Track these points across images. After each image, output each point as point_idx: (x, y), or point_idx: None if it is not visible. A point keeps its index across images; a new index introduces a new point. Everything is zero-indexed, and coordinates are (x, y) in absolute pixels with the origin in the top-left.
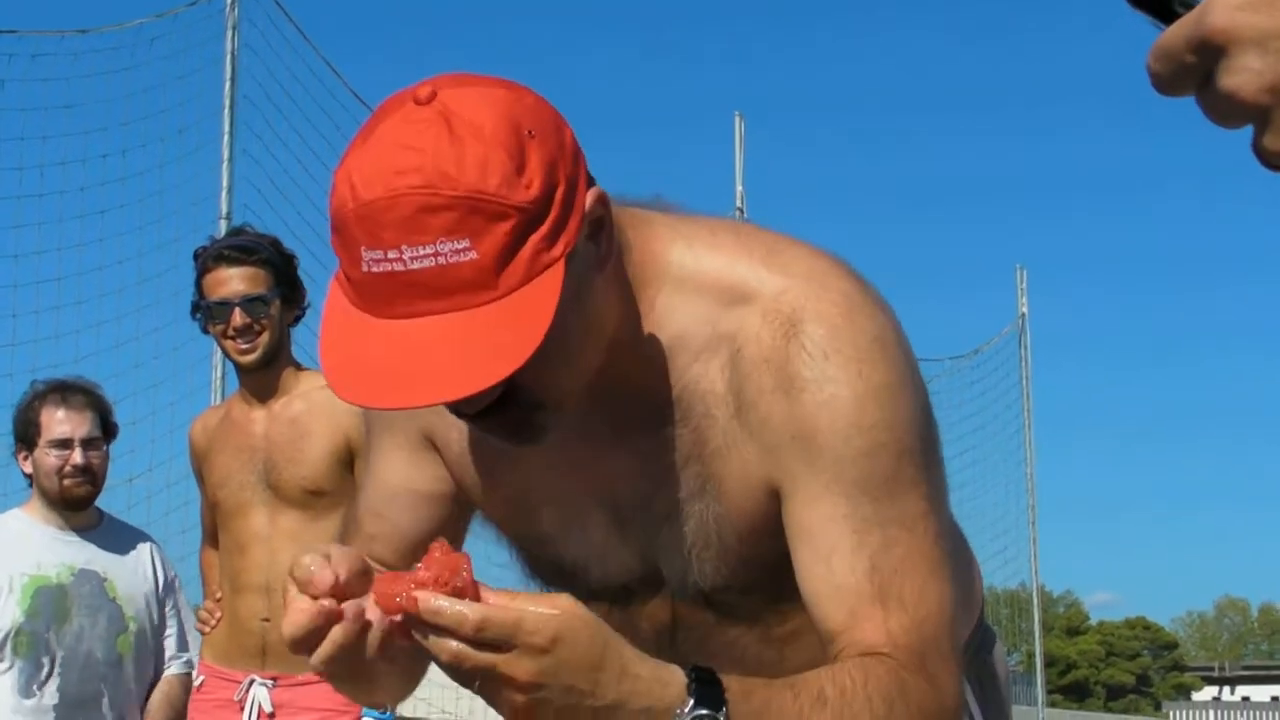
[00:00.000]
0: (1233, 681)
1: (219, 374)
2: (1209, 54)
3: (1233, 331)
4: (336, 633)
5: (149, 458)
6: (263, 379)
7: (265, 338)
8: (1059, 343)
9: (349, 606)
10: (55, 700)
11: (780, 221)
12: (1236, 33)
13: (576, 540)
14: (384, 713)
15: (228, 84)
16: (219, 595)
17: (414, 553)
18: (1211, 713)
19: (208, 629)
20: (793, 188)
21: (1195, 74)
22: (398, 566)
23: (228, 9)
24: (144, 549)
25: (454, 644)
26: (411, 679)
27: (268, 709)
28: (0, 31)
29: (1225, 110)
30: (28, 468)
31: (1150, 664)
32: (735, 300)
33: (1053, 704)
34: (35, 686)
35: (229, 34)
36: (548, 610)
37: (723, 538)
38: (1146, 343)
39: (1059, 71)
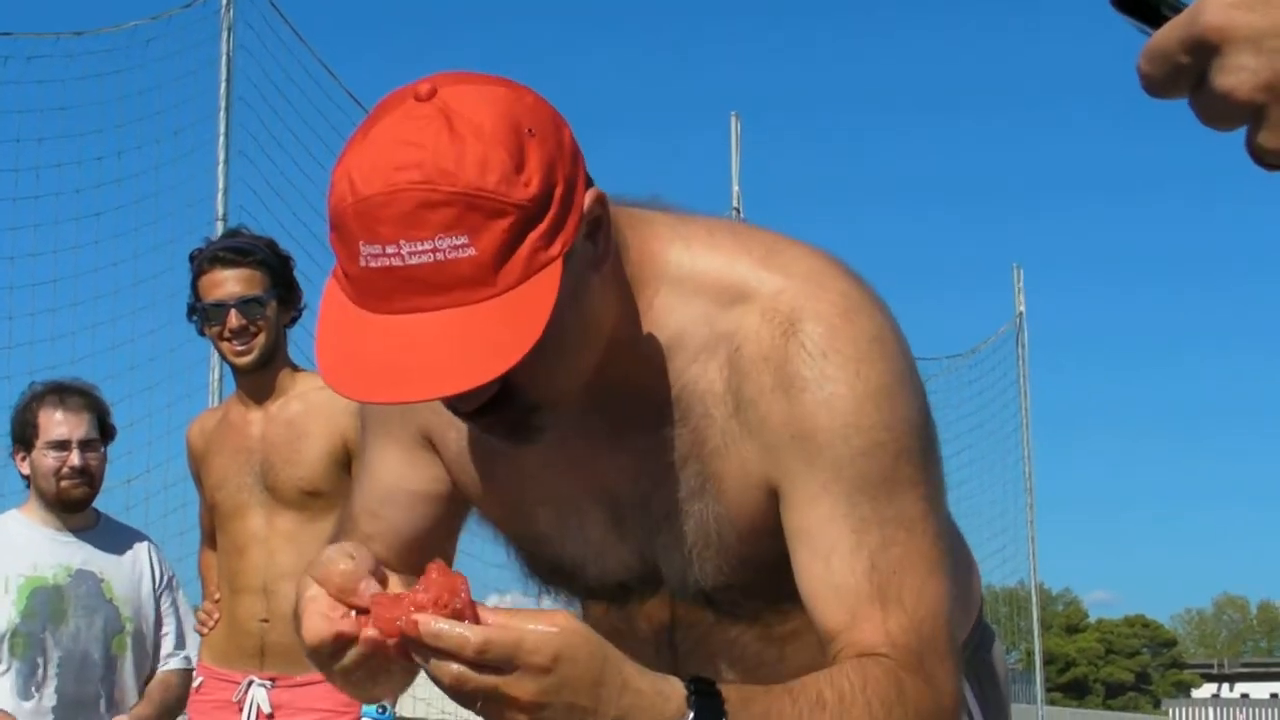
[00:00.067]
0: (1232, 679)
1: (216, 376)
2: (1203, 54)
3: (1231, 330)
4: (356, 654)
5: (146, 460)
6: (259, 381)
7: (261, 339)
8: (1056, 341)
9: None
10: (54, 702)
11: (777, 221)
12: (1231, 31)
13: (574, 539)
14: (382, 713)
15: (223, 85)
16: (217, 597)
17: (410, 552)
18: (1210, 710)
19: (206, 630)
20: (789, 187)
21: (1189, 75)
22: (394, 566)
23: (223, 10)
24: (141, 549)
25: (456, 667)
26: (412, 673)
27: (266, 709)
28: None
29: (1220, 110)
30: (25, 469)
31: (1149, 661)
32: (733, 300)
33: (1052, 702)
34: (33, 688)
35: (224, 36)
36: (547, 628)
37: (722, 537)
38: (1144, 341)
39: (1056, 70)
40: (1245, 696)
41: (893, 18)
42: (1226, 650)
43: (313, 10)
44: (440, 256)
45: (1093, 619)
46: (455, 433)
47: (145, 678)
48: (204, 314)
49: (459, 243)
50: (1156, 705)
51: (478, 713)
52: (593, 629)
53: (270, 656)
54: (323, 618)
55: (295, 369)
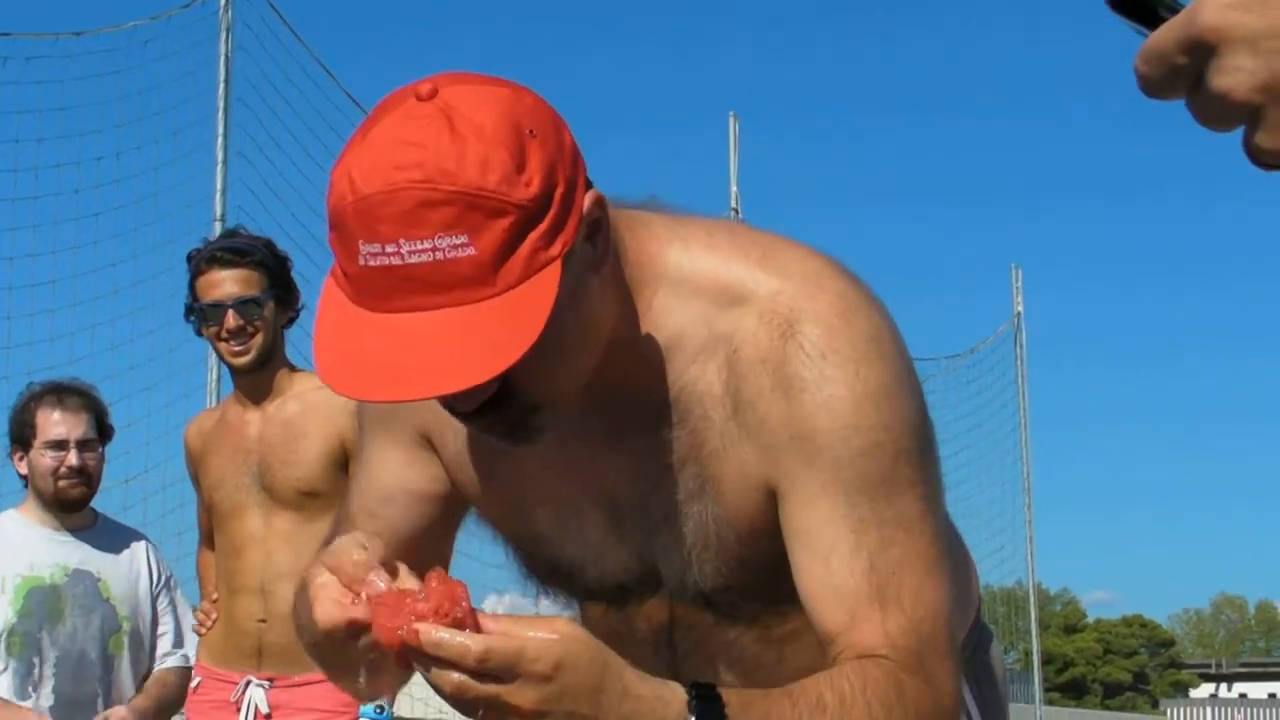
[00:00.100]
0: (1230, 679)
1: (214, 376)
2: (1200, 55)
3: (1230, 331)
4: (368, 641)
5: (144, 460)
6: (257, 381)
7: (259, 340)
8: (1055, 341)
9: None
10: (51, 701)
11: (775, 221)
12: (1228, 32)
13: (573, 540)
14: (380, 713)
15: (222, 86)
16: (215, 597)
17: (408, 552)
18: (1208, 710)
19: (204, 630)
20: (788, 188)
21: (1186, 76)
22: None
23: (221, 11)
24: (139, 549)
25: (457, 676)
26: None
27: (264, 709)
28: None
29: (1217, 111)
30: (23, 469)
31: (1147, 661)
32: (732, 301)
33: (1050, 702)
34: (30, 688)
35: (223, 36)
36: (548, 636)
37: (722, 538)
38: (1143, 341)
39: (1055, 70)
40: (1243, 696)
41: (892, 18)
42: (1224, 650)
43: (311, 11)
44: (440, 256)
45: (1091, 619)
46: (454, 432)
47: (142, 677)
48: (201, 314)
49: (459, 242)
50: (1154, 705)
51: None
52: (592, 633)
53: (268, 656)
54: (335, 604)
55: (293, 369)
